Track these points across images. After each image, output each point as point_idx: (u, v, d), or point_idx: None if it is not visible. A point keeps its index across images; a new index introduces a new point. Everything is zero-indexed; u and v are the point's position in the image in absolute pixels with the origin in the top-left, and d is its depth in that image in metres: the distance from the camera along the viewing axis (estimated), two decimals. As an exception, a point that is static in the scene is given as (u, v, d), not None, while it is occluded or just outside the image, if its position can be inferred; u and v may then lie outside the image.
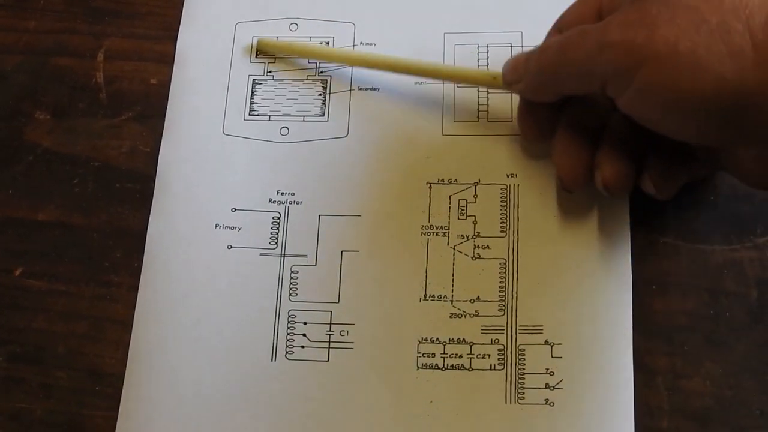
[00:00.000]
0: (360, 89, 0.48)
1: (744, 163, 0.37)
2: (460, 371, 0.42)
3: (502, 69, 0.42)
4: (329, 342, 0.43)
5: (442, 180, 0.46)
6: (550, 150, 0.42)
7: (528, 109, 0.43)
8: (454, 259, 0.44)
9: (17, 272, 0.46)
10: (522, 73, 0.41)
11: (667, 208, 0.44)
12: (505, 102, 0.47)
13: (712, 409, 0.41)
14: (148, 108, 0.49)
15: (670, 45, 0.33)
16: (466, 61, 0.48)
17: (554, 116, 0.42)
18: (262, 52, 0.49)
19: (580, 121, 0.41)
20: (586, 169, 0.41)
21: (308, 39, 0.49)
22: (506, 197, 0.45)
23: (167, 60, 0.50)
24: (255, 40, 0.49)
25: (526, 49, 0.43)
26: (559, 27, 0.42)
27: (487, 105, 0.47)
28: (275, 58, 0.49)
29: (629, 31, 0.34)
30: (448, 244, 0.44)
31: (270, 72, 0.49)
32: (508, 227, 0.44)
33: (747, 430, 0.41)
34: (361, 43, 0.49)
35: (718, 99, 0.32)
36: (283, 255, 0.45)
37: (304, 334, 0.44)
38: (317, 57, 0.48)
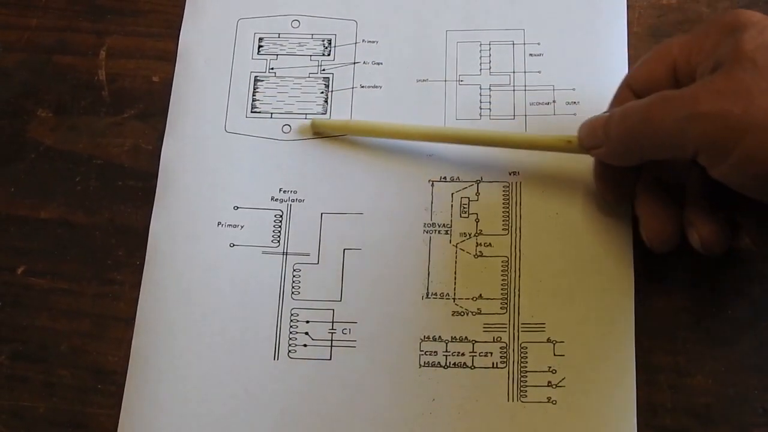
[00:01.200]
0: (362, 87, 0.48)
1: None
2: (462, 369, 0.42)
3: (578, 133, 0.41)
4: (332, 340, 0.43)
5: (445, 178, 0.46)
6: (634, 212, 0.42)
7: (605, 170, 0.42)
8: (456, 257, 0.44)
9: (20, 270, 0.46)
10: (601, 138, 0.39)
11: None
12: (507, 99, 0.47)
13: (715, 406, 0.41)
14: (151, 106, 0.49)
15: None
16: (467, 58, 0.48)
17: (632, 177, 0.41)
18: (317, 132, 0.48)
19: (661, 179, 0.41)
20: (675, 229, 0.40)
21: (310, 36, 0.49)
22: (509, 195, 0.45)
23: (169, 57, 0.50)
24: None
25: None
26: (630, 85, 0.41)
27: (489, 103, 0.47)
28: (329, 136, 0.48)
29: (724, 101, 0.33)
30: (450, 242, 0.44)
31: (272, 69, 0.49)
32: (510, 225, 0.44)
33: (749, 427, 0.41)
34: (363, 40, 0.49)
35: None
36: (285, 253, 0.45)
37: (306, 333, 0.44)
38: (377, 135, 0.47)
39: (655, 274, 0.43)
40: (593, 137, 0.40)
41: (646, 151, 0.38)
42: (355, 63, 0.48)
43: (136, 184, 0.47)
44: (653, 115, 0.36)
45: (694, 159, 0.36)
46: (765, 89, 0.33)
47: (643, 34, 0.48)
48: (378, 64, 0.48)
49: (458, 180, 0.46)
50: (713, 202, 0.39)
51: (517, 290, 0.43)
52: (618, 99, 0.41)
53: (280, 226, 0.46)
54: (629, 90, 0.41)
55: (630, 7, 0.48)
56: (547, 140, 0.43)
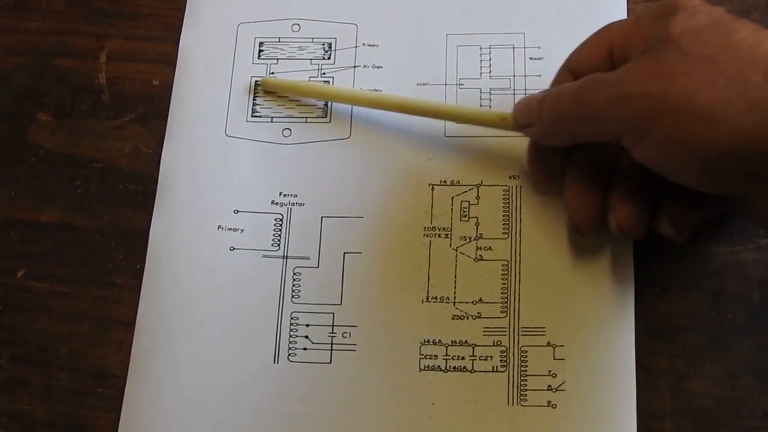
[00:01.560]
0: (362, 90, 0.48)
1: (760, 208, 0.37)
2: (462, 373, 0.42)
3: (513, 111, 0.42)
4: (331, 344, 0.43)
5: (445, 181, 0.46)
6: (561, 191, 0.42)
7: (538, 151, 0.43)
8: (456, 261, 0.44)
9: (20, 274, 0.46)
10: (535, 117, 0.40)
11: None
12: (507, 103, 0.46)
13: (715, 410, 0.41)
14: (151, 109, 0.49)
15: (687, 98, 0.33)
16: (467, 62, 0.48)
17: (564, 158, 0.42)
18: (265, 91, 0.49)
19: (590, 163, 0.41)
20: (598, 211, 0.41)
21: (310, 40, 0.49)
22: (509, 199, 0.45)
23: (170, 61, 0.50)
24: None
25: (535, 91, 0.42)
26: (570, 67, 0.41)
27: (490, 107, 0.47)
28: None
29: (645, 83, 0.34)
30: (450, 245, 0.44)
31: (272, 73, 0.49)
32: (510, 229, 0.44)
33: (749, 431, 0.41)
34: (363, 44, 0.49)
35: (737, 152, 0.32)
36: (285, 257, 0.45)
37: (306, 336, 0.44)
38: (319, 96, 0.48)
39: (656, 278, 0.43)
40: (527, 115, 0.41)
41: (576, 132, 0.38)
42: (355, 67, 0.48)
43: (136, 188, 0.47)
44: (584, 97, 0.37)
45: (619, 142, 0.36)
46: (685, 71, 0.33)
47: (642, 37, 0.48)
48: (378, 67, 0.48)
49: (458, 183, 0.45)
50: (637, 187, 0.39)
51: (517, 294, 0.43)
52: (557, 81, 0.42)
53: (280, 230, 0.46)
54: (569, 72, 0.41)
55: (630, 11, 0.48)
56: (482, 115, 0.44)
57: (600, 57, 0.40)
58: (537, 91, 0.41)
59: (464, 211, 0.45)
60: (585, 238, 0.43)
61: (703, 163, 0.34)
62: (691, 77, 0.33)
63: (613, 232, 0.40)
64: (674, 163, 0.35)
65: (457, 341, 0.43)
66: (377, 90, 0.48)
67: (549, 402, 0.42)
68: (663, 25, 0.35)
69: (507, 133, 0.44)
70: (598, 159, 0.41)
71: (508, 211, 0.45)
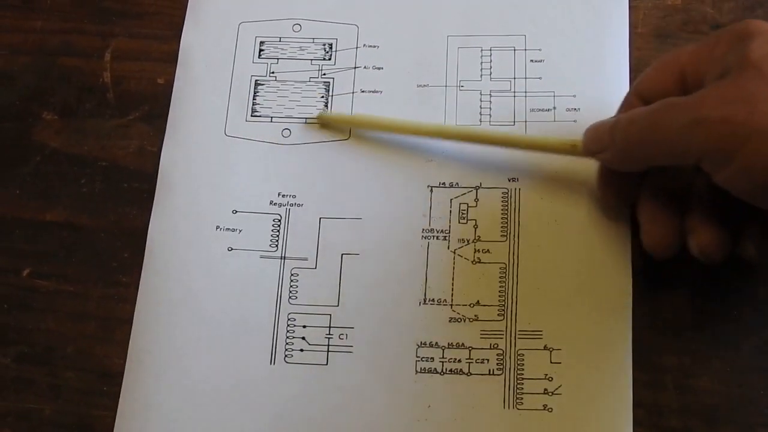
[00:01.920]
0: (362, 92, 0.48)
1: None
2: (458, 376, 0.42)
3: (584, 137, 0.41)
4: (328, 345, 0.44)
5: (443, 183, 0.46)
6: (636, 217, 0.42)
7: (608, 175, 0.42)
8: (454, 263, 0.44)
9: (25, 273, 0.47)
10: (607, 143, 0.39)
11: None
12: (508, 105, 0.46)
13: (721, 407, 0.41)
14: (156, 108, 0.49)
15: None
16: (468, 63, 0.48)
17: (635, 183, 0.41)
18: (324, 125, 0.48)
19: (664, 186, 0.41)
20: (676, 236, 0.40)
21: (311, 40, 0.49)
22: (507, 201, 0.45)
23: (174, 60, 0.50)
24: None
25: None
26: (638, 92, 0.41)
27: (490, 108, 0.47)
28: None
29: (728, 107, 0.33)
30: (448, 247, 0.44)
31: (273, 73, 0.49)
32: (508, 231, 0.44)
33: (755, 428, 0.41)
34: (364, 45, 0.49)
35: None
36: (283, 258, 0.45)
37: (303, 338, 0.44)
38: (386, 129, 0.47)
39: (661, 274, 0.43)
40: (598, 142, 0.40)
41: (651, 157, 0.38)
42: (355, 68, 0.48)
43: (141, 186, 0.48)
44: (659, 121, 0.36)
45: (698, 166, 0.35)
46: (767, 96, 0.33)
47: (647, 35, 0.48)
48: (379, 68, 0.48)
49: (457, 186, 0.45)
50: (716, 210, 0.39)
51: (514, 297, 0.43)
52: (626, 106, 0.41)
53: (278, 231, 0.46)
54: (637, 98, 0.41)
55: (634, 8, 0.48)
56: (551, 142, 0.43)
57: (671, 82, 0.39)
58: (606, 117, 0.40)
59: (463, 214, 0.45)
60: (584, 242, 0.43)
61: None
62: None
63: (694, 254, 0.39)
64: (760, 188, 0.34)
65: (454, 344, 0.43)
66: (377, 91, 0.48)
67: (545, 406, 0.42)
68: (741, 50, 0.35)
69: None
70: (672, 183, 0.41)
71: (506, 214, 0.45)
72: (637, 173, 0.41)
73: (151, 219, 0.47)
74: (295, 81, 0.49)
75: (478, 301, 0.43)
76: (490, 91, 0.47)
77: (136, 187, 0.48)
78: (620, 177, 0.41)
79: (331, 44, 0.49)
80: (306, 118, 0.48)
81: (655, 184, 0.41)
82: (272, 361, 0.44)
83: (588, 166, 0.42)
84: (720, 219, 0.39)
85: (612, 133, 0.39)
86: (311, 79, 0.49)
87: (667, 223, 0.40)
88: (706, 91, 0.35)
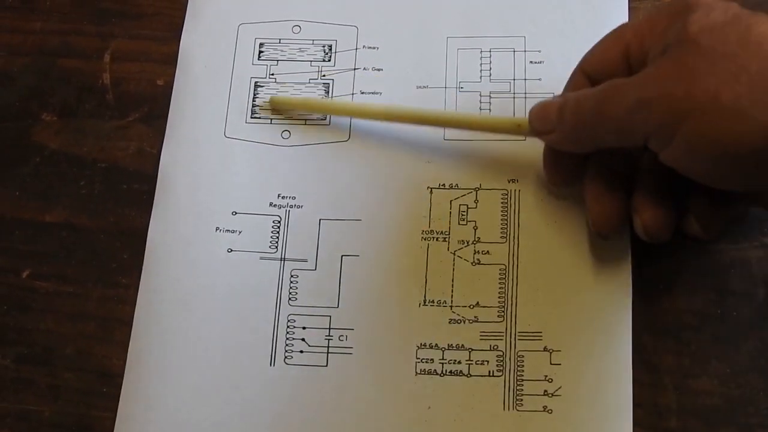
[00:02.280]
0: (362, 93, 0.48)
1: None
2: (458, 377, 0.42)
3: (529, 117, 0.41)
4: (328, 347, 0.44)
5: (443, 185, 0.46)
6: (581, 195, 0.42)
7: (555, 155, 0.42)
8: (454, 265, 0.44)
9: (25, 274, 0.47)
10: (554, 124, 0.39)
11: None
12: (507, 106, 0.47)
13: (720, 408, 0.41)
14: (155, 109, 0.49)
15: (711, 97, 0.32)
16: (468, 65, 0.48)
17: (582, 162, 0.42)
18: (275, 110, 0.48)
19: (610, 166, 0.41)
20: (620, 214, 0.40)
21: (311, 42, 0.49)
22: (507, 203, 0.45)
23: (174, 61, 0.50)
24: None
25: (550, 96, 0.41)
26: (584, 69, 0.41)
27: (489, 110, 0.47)
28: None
29: (667, 84, 0.34)
30: (448, 249, 0.44)
31: (272, 74, 0.49)
32: (508, 233, 0.44)
33: (755, 428, 0.41)
34: (363, 46, 0.49)
35: (767, 147, 0.32)
36: (283, 259, 0.45)
37: (303, 339, 0.44)
38: (327, 111, 0.48)
39: (660, 275, 0.43)
40: (546, 122, 0.40)
41: (600, 138, 0.38)
42: (355, 69, 0.48)
43: (140, 188, 0.48)
44: (605, 103, 0.36)
45: (646, 146, 0.36)
46: (706, 71, 0.33)
47: (647, 36, 0.47)
48: (378, 70, 0.48)
49: (457, 187, 0.45)
50: (661, 189, 0.39)
51: (514, 298, 0.43)
52: (572, 83, 0.41)
53: (278, 232, 0.46)
54: (583, 74, 0.41)
55: (633, 9, 0.48)
56: (496, 122, 0.43)
57: (616, 58, 0.39)
58: (551, 96, 0.41)
59: (462, 215, 0.45)
60: (584, 244, 0.44)
61: (733, 161, 0.33)
62: (714, 75, 0.32)
63: (639, 234, 0.40)
64: (703, 163, 0.35)
65: (454, 345, 0.43)
66: (377, 93, 0.48)
67: (545, 407, 0.42)
68: (680, 24, 0.35)
69: (506, 136, 0.44)
70: (618, 162, 0.41)
71: (506, 215, 0.45)
72: (583, 153, 0.41)
73: (150, 220, 0.47)
74: (295, 82, 0.49)
75: (477, 303, 0.43)
76: (490, 92, 0.47)
77: (135, 188, 0.48)
78: (566, 157, 0.41)
79: (330, 46, 0.49)
80: (306, 120, 0.48)
81: (600, 164, 0.41)
82: (272, 362, 0.44)
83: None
84: (664, 197, 0.39)
85: (560, 115, 0.39)
86: (311, 81, 0.49)
87: (611, 201, 0.40)
88: (648, 70, 0.35)
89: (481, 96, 0.47)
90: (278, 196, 0.46)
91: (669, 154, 0.35)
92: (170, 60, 0.50)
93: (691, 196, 0.39)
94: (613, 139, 0.37)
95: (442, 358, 0.43)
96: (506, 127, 0.42)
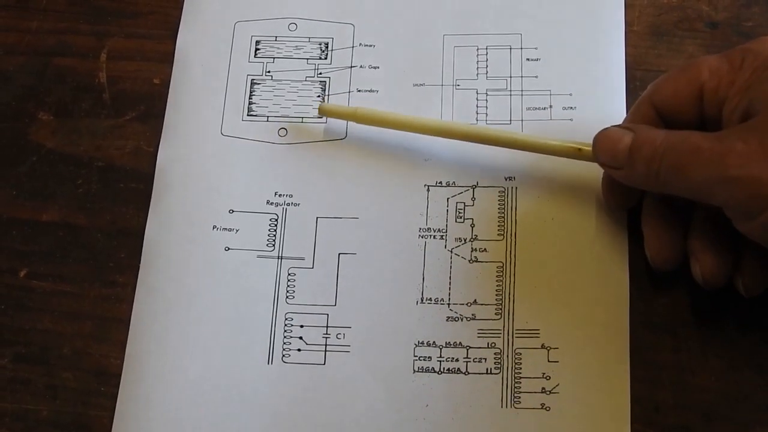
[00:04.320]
0: (359, 91, 0.48)
1: None
2: (456, 375, 0.42)
3: (594, 147, 0.40)
4: (326, 345, 0.44)
5: (440, 182, 0.46)
6: (641, 226, 0.42)
7: (615, 184, 0.41)
8: (451, 262, 0.44)
9: (22, 273, 0.47)
10: (622, 162, 0.38)
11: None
12: (504, 104, 0.47)
13: (718, 404, 0.41)
14: (152, 108, 0.49)
15: None
16: (464, 62, 0.48)
17: (640, 192, 0.42)
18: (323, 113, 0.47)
19: (667, 202, 0.41)
20: (677, 252, 0.40)
21: (307, 39, 0.49)
22: (504, 200, 0.45)
23: (170, 59, 0.50)
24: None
25: (597, 118, 0.42)
26: (653, 101, 0.40)
27: (486, 107, 0.47)
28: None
29: (754, 166, 0.33)
30: (445, 247, 0.44)
31: (269, 72, 0.49)
32: (505, 230, 0.44)
33: (752, 425, 0.41)
34: (360, 44, 0.49)
35: None
36: (280, 257, 0.45)
37: (300, 337, 0.44)
38: (383, 125, 0.46)
39: (658, 272, 0.43)
40: (614, 158, 0.39)
41: (670, 191, 0.38)
42: (351, 67, 0.48)
43: (137, 186, 0.48)
44: (684, 166, 0.36)
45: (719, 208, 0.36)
46: None
47: (643, 33, 0.48)
48: (375, 68, 0.48)
49: (454, 185, 0.45)
50: (720, 238, 0.39)
51: (511, 296, 0.43)
52: (638, 113, 0.41)
53: (275, 230, 0.46)
54: (651, 107, 0.40)
55: (630, 6, 0.48)
56: (556, 146, 0.42)
57: (688, 97, 0.39)
58: (618, 126, 0.40)
59: (459, 213, 0.45)
60: (581, 241, 0.44)
61: None
62: None
63: (696, 278, 0.40)
64: None
65: (452, 343, 0.43)
66: (373, 91, 0.48)
67: (543, 404, 0.42)
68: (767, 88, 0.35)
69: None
70: (677, 198, 0.40)
71: (503, 213, 0.45)
72: None
73: (147, 219, 0.47)
74: (291, 80, 0.49)
75: (475, 300, 0.43)
76: (487, 89, 0.47)
77: (132, 187, 0.48)
78: (626, 187, 0.41)
79: (327, 43, 0.49)
80: (302, 118, 0.48)
81: (658, 198, 0.41)
82: (269, 360, 0.44)
83: (586, 167, 0.42)
84: (722, 246, 0.39)
85: (631, 156, 0.38)
86: (307, 79, 0.49)
87: (669, 238, 0.40)
88: (731, 143, 0.34)
89: (477, 93, 0.47)
90: (275, 194, 0.46)
91: (747, 227, 0.35)
92: (166, 58, 0.50)
93: (745, 254, 0.39)
94: (686, 195, 0.37)
95: (440, 356, 0.43)
96: (565, 151, 0.42)
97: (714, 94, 0.38)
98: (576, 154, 0.42)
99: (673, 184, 0.37)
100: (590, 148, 0.41)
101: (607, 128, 0.40)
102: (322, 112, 0.47)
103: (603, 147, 0.40)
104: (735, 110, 0.37)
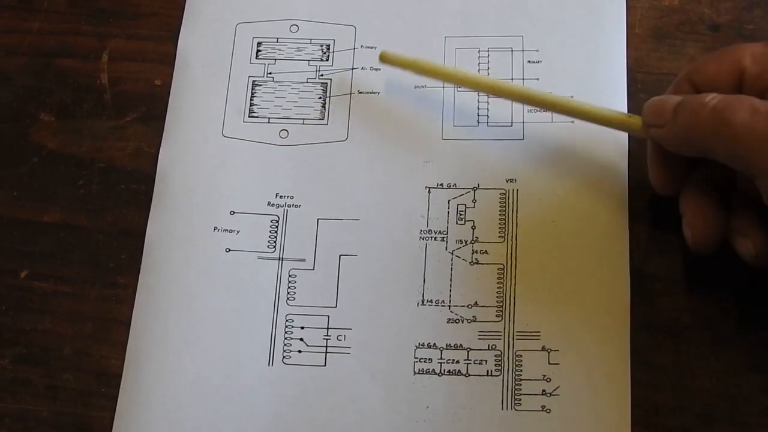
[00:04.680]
0: (360, 93, 0.48)
1: None
2: (456, 377, 0.42)
3: (644, 108, 0.40)
4: (326, 347, 0.44)
5: (441, 184, 0.46)
6: (680, 206, 0.41)
7: (661, 157, 0.41)
8: (452, 264, 0.44)
9: (23, 274, 0.47)
10: (667, 119, 0.38)
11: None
12: (505, 106, 0.46)
13: (718, 407, 0.41)
14: (153, 109, 0.49)
15: None
16: (466, 64, 0.48)
17: (687, 169, 0.41)
18: (385, 62, 0.47)
19: (708, 180, 0.40)
20: (719, 232, 0.40)
21: (309, 41, 0.49)
22: (505, 202, 0.45)
23: (171, 61, 0.50)
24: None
25: (667, 89, 0.41)
26: (692, 80, 0.40)
27: (487, 109, 0.47)
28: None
29: None
30: (446, 248, 0.44)
31: (270, 73, 0.49)
32: (506, 232, 0.44)
33: (753, 427, 0.41)
34: (362, 46, 0.49)
35: None
36: (281, 259, 0.45)
37: (301, 339, 0.44)
38: (439, 76, 0.46)
39: (659, 274, 0.43)
40: (659, 116, 0.39)
41: (709, 150, 0.37)
42: (353, 68, 0.48)
43: (138, 188, 0.48)
44: (734, 123, 0.35)
45: (754, 177, 0.35)
46: None
47: (644, 35, 0.48)
48: (376, 69, 0.48)
49: (455, 187, 0.45)
50: (764, 215, 0.39)
51: (512, 298, 0.43)
52: (677, 88, 0.40)
53: (276, 232, 0.46)
54: (689, 84, 0.40)
55: (631, 9, 0.48)
56: (606, 114, 0.42)
57: (729, 79, 0.39)
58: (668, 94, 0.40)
59: (460, 215, 0.45)
60: (582, 243, 0.44)
61: None
62: None
63: (744, 257, 0.39)
64: None
65: (452, 345, 0.43)
66: (375, 92, 0.48)
67: (543, 407, 0.42)
68: None
69: (505, 136, 0.44)
70: (716, 176, 0.40)
71: (504, 215, 0.45)
72: (688, 159, 0.40)
73: (148, 220, 0.47)
74: (293, 82, 0.49)
75: (476, 302, 0.43)
76: None
77: (133, 188, 0.48)
78: (672, 159, 0.40)
79: (328, 45, 0.49)
80: (304, 120, 0.48)
81: (700, 176, 0.41)
82: (270, 362, 0.44)
83: (585, 167, 0.42)
84: (764, 224, 0.39)
85: (676, 112, 0.38)
86: (309, 80, 0.49)
87: (712, 218, 0.40)
88: None
89: (479, 95, 0.47)
90: (276, 195, 0.46)
91: None
92: (168, 60, 0.50)
93: None
94: (722, 155, 0.36)
95: (441, 358, 0.43)
96: (615, 119, 0.42)
97: (756, 80, 0.38)
98: (625, 121, 0.41)
99: (714, 139, 0.36)
100: (637, 118, 0.41)
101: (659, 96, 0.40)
102: (384, 60, 0.46)
103: (651, 106, 0.40)
104: None
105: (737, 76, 0.38)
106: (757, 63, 0.38)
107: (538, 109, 0.46)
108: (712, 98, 0.37)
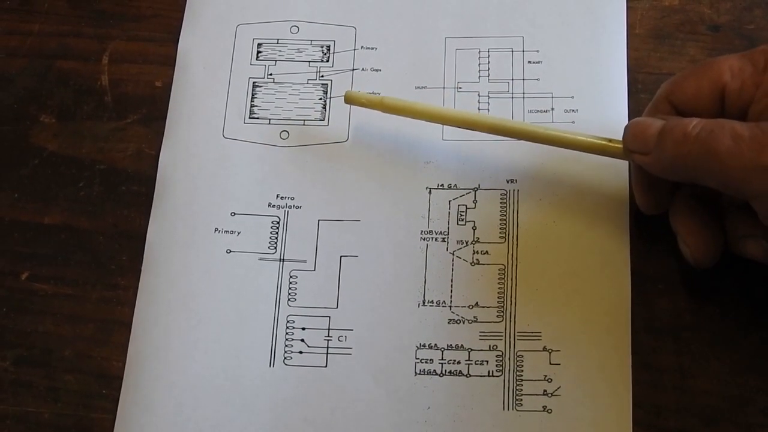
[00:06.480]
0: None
1: None
2: (457, 377, 0.42)
3: (624, 133, 0.40)
4: (327, 347, 0.44)
5: (442, 185, 0.46)
6: (671, 224, 0.41)
7: (646, 180, 0.41)
8: (453, 265, 0.44)
9: (24, 276, 0.47)
10: (651, 146, 0.38)
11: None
12: (506, 107, 0.47)
13: (719, 407, 0.41)
14: (153, 110, 0.49)
15: None
16: (466, 65, 0.48)
17: (672, 187, 0.41)
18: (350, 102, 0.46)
19: (695, 195, 0.40)
20: (719, 245, 0.40)
21: (309, 42, 0.49)
22: (506, 203, 0.45)
23: (172, 62, 0.50)
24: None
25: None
26: (670, 98, 0.39)
27: (488, 110, 0.47)
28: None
29: None
30: (447, 249, 0.44)
31: (270, 75, 0.49)
32: (507, 233, 0.44)
33: (754, 428, 0.41)
34: (362, 47, 0.49)
35: None
36: (282, 260, 0.45)
37: (302, 340, 0.44)
38: (410, 114, 0.45)
39: (660, 275, 0.43)
40: (642, 142, 0.38)
41: (697, 178, 0.37)
42: (353, 69, 0.48)
43: (139, 189, 0.48)
44: (717, 149, 0.35)
45: (745, 199, 0.36)
46: None
47: (644, 36, 0.48)
48: (377, 70, 0.48)
49: (455, 187, 0.45)
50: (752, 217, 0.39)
51: (513, 298, 0.43)
52: (656, 107, 0.40)
53: (277, 233, 0.46)
54: (669, 105, 0.40)
55: (631, 9, 0.48)
56: (583, 141, 0.41)
57: (709, 98, 0.38)
58: (646, 116, 0.40)
59: (461, 215, 0.45)
60: (583, 243, 0.44)
61: None
62: None
63: (757, 257, 0.39)
64: None
65: (453, 345, 0.43)
66: (375, 93, 0.47)
67: (544, 407, 0.42)
68: None
69: (505, 137, 0.44)
70: (703, 189, 0.39)
71: (505, 215, 0.45)
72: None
73: (149, 222, 0.47)
74: (293, 83, 0.49)
75: (477, 303, 0.43)
76: (488, 92, 0.47)
77: (134, 189, 0.48)
78: (657, 180, 0.40)
79: (328, 46, 0.49)
80: (304, 121, 0.48)
81: (689, 191, 0.41)
82: (271, 363, 0.44)
83: (586, 167, 0.42)
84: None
85: (660, 140, 0.37)
86: (309, 81, 0.49)
87: (707, 231, 0.40)
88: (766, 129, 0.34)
89: (479, 96, 0.47)
90: (277, 196, 0.46)
91: None
92: (168, 61, 0.50)
93: None
94: (713, 183, 0.36)
95: (442, 359, 0.43)
96: (594, 147, 0.41)
97: (737, 96, 0.38)
98: (604, 147, 0.41)
99: (702, 169, 0.36)
100: (618, 143, 0.40)
101: (638, 118, 0.40)
102: (349, 100, 0.46)
103: (633, 131, 0.39)
104: (764, 112, 0.36)
105: (718, 92, 0.38)
106: (737, 78, 0.38)
107: (540, 109, 0.46)
108: (694, 126, 0.36)
